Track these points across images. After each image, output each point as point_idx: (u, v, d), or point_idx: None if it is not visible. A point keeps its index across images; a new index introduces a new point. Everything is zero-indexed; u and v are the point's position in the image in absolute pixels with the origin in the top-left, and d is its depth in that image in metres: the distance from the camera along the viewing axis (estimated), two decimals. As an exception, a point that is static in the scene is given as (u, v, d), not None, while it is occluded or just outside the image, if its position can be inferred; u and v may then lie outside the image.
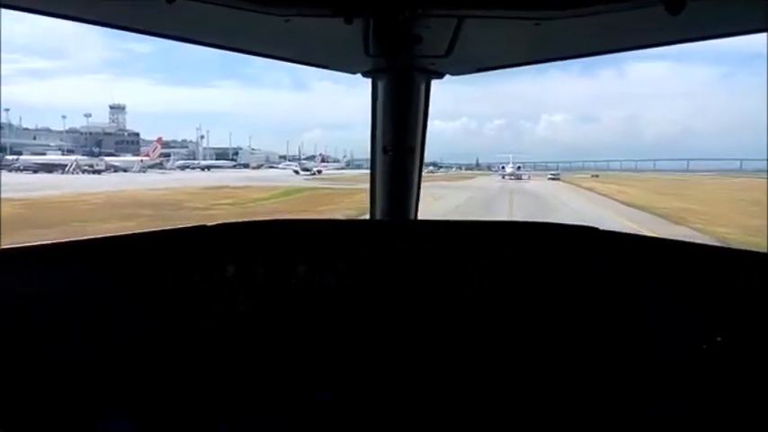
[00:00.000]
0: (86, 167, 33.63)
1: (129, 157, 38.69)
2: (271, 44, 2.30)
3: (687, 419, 1.90)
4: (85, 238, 1.94)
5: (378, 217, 2.73)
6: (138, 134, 44.26)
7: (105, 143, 42.18)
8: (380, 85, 2.54)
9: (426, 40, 1.99)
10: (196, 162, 42.91)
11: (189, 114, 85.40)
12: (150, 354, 2.00)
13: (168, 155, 41.12)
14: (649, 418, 2.00)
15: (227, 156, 47.70)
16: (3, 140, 37.11)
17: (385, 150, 2.59)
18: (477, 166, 60.32)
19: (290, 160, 48.52)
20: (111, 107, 44.85)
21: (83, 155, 37.23)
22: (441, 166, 53.32)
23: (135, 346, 1.96)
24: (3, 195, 17.45)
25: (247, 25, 1.96)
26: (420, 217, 2.82)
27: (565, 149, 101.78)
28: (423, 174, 2.81)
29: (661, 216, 20.02)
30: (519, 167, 45.77)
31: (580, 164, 61.89)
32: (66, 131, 42.43)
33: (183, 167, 40.52)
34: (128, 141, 43.64)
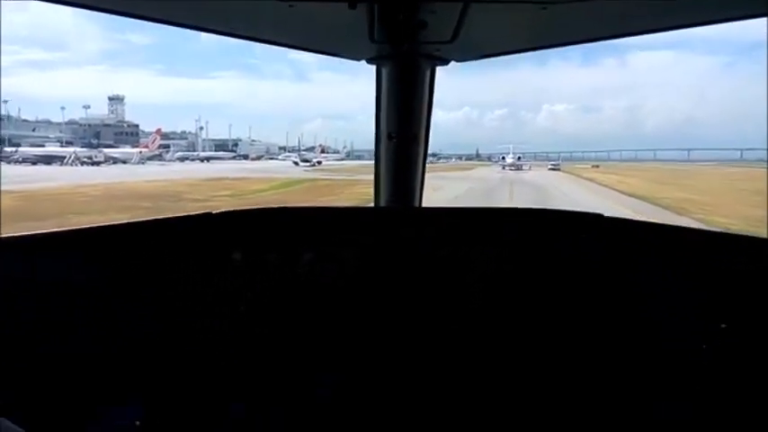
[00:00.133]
0: (85, 159, 33.64)
1: (128, 149, 38.69)
2: (274, 30, 2.27)
3: (689, 413, 1.91)
4: (86, 226, 1.92)
5: (382, 204, 2.73)
6: (137, 125, 44.34)
7: (104, 135, 42.16)
8: (385, 71, 2.52)
9: (431, 26, 1.96)
10: (195, 153, 42.94)
11: (188, 105, 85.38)
12: (153, 343, 2.00)
13: (167, 146, 41.14)
14: (653, 409, 2.00)
15: (227, 147, 47.74)
16: (2, 132, 37.06)
17: (390, 137, 2.57)
18: (478, 156, 60.41)
19: (289, 151, 48.60)
20: (110, 98, 44.85)
21: (82, 146, 37.23)
22: (440, 157, 53.43)
23: (137, 335, 1.96)
24: (2, 188, 17.47)
25: (251, 11, 1.93)
26: None
27: (566, 139, 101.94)
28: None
29: (662, 206, 20.04)
30: (519, 158, 45.92)
31: (581, 154, 62.11)
32: (66, 123, 42.42)
33: (182, 159, 40.59)
34: (127, 133, 43.62)
